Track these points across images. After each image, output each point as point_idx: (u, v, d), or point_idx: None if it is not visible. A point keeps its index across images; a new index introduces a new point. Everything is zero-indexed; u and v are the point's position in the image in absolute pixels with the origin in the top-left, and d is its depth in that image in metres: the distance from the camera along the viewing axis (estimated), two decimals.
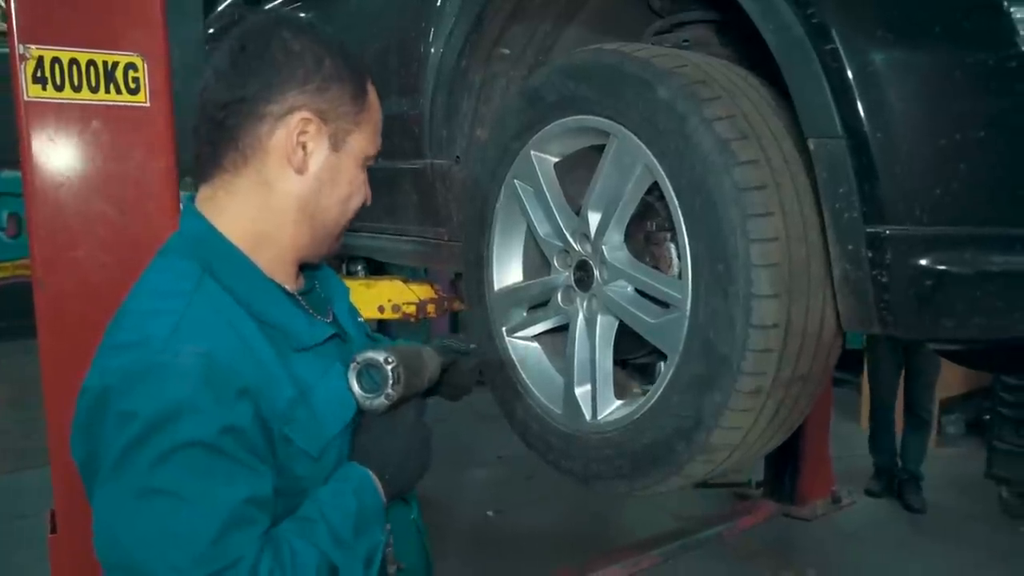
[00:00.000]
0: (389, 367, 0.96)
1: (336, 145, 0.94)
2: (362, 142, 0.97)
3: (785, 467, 3.79)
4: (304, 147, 0.92)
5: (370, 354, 0.98)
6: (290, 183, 0.92)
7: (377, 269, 2.48)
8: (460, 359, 1.20)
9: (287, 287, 0.97)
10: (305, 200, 0.94)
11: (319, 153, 0.93)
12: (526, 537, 3.55)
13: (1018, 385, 3.53)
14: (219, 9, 3.26)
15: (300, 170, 0.92)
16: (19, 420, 4.97)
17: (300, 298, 0.99)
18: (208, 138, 0.92)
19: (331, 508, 0.91)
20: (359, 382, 0.98)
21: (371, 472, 0.97)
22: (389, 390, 0.97)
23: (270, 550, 0.83)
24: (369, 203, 1.03)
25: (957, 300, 1.01)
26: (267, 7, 2.74)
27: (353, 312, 1.13)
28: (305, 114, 0.91)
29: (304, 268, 1.03)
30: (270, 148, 0.91)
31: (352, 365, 0.98)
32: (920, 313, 1.02)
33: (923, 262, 1.00)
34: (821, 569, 3.22)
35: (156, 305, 0.86)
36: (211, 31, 3.26)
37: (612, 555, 3.20)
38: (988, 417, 3.73)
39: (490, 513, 3.74)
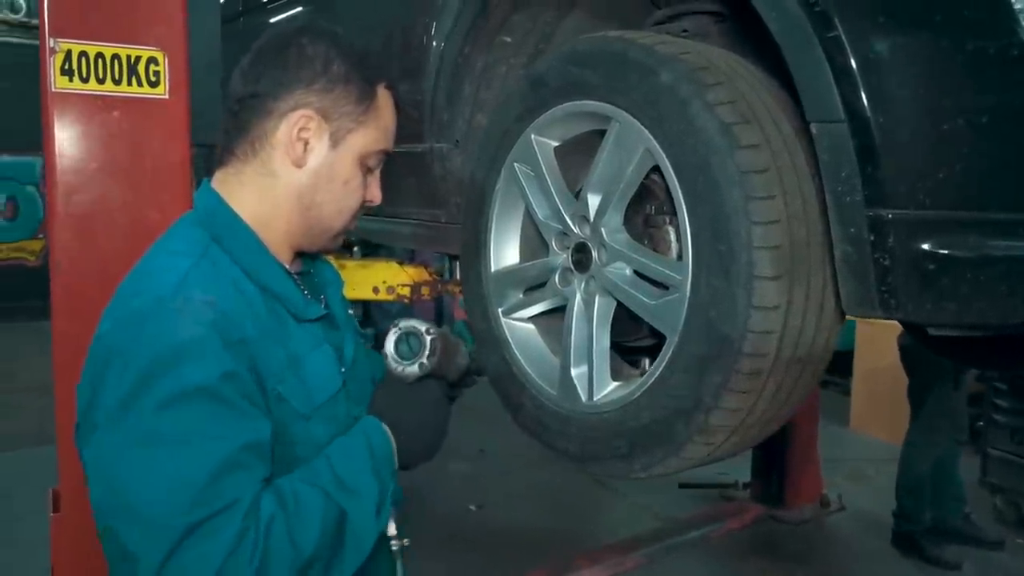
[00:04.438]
0: (429, 337, 1.01)
1: (336, 143, 0.99)
2: (363, 141, 1.00)
3: (772, 469, 3.81)
4: (305, 143, 0.97)
5: (413, 322, 1.02)
6: (290, 175, 0.98)
7: (371, 251, 2.51)
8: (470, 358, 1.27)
9: (285, 266, 1.02)
10: (301, 193, 0.99)
11: (319, 149, 0.98)
12: (507, 532, 3.54)
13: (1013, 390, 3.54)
14: None
15: (299, 164, 0.98)
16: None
17: (296, 278, 1.04)
18: (225, 128, 1.00)
19: (339, 454, 0.95)
20: (396, 347, 1.01)
21: (383, 424, 1.02)
22: (424, 360, 1.01)
23: (271, 494, 0.85)
24: (377, 203, 1.06)
25: (959, 284, 1.01)
26: None
27: (345, 303, 1.16)
28: (307, 111, 0.97)
29: (301, 255, 1.08)
30: (275, 142, 0.97)
31: (392, 329, 1.02)
32: (922, 297, 1.03)
33: (925, 246, 1.01)
34: (808, 575, 3.22)
35: (166, 263, 0.93)
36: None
37: (595, 555, 3.20)
38: (982, 424, 3.71)
39: (472, 507, 3.73)
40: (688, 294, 1.15)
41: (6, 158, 7.54)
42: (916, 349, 3.22)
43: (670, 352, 1.19)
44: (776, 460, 3.77)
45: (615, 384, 1.32)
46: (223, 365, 0.84)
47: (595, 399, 1.32)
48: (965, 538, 3.39)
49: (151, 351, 0.83)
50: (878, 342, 4.63)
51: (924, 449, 3.38)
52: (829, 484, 3.94)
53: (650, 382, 1.22)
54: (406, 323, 1.02)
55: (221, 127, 1.01)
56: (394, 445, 1.01)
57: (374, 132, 1.02)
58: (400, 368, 1.02)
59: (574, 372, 1.35)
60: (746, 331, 1.08)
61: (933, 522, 3.40)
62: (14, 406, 4.80)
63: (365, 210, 1.07)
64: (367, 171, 1.04)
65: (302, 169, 0.98)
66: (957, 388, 3.35)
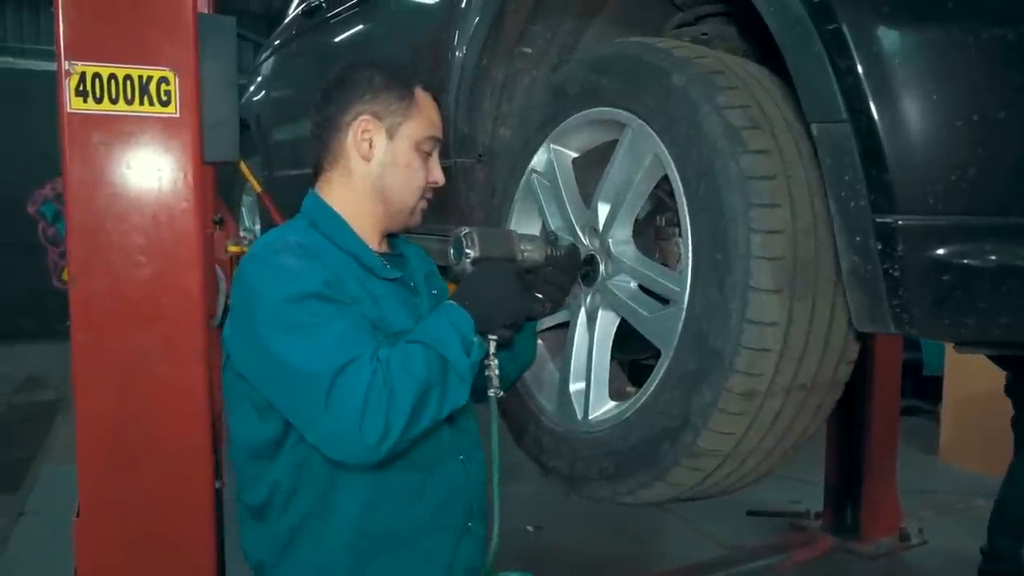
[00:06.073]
0: (462, 234, 1.23)
1: (392, 135, 1.24)
2: (413, 129, 1.25)
3: (846, 499, 3.59)
4: (369, 142, 1.23)
5: (455, 232, 1.24)
6: (363, 169, 1.25)
7: None
8: (571, 252, 1.33)
9: (371, 247, 1.27)
10: (375, 180, 1.24)
11: (380, 143, 1.24)
12: (565, 556, 3.45)
13: None
14: (283, 23, 3.45)
15: (367, 158, 1.24)
16: None
17: (379, 256, 1.26)
18: (314, 150, 1.29)
19: (424, 323, 1.17)
20: (452, 255, 1.24)
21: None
22: (466, 251, 1.21)
23: (386, 349, 1.10)
24: (442, 182, 1.29)
25: (979, 297, 0.91)
26: (326, 16, 2.84)
27: (431, 283, 1.37)
28: (365, 116, 1.23)
29: (392, 240, 1.34)
30: (348, 146, 1.25)
31: (449, 243, 1.26)
32: (937, 311, 0.93)
33: (939, 255, 0.91)
34: None
35: (273, 234, 1.24)
36: (276, 42, 3.44)
37: None
38: None
39: (530, 528, 3.66)
40: (685, 307, 1.09)
41: None
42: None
43: (663, 368, 1.13)
44: (851, 489, 3.54)
45: (612, 403, 1.27)
46: (323, 276, 1.12)
47: (590, 417, 1.27)
48: None
49: (271, 277, 1.13)
50: (971, 366, 4.28)
51: None
52: (911, 517, 3.66)
53: (642, 400, 1.16)
54: (452, 236, 1.24)
55: (310, 149, 1.30)
56: (468, 314, 1.17)
57: (421, 121, 1.25)
58: (458, 267, 1.23)
59: (572, 389, 1.31)
60: (739, 346, 1.01)
61: None
62: None
63: (432, 190, 1.30)
64: (425, 156, 1.27)
65: (371, 162, 1.24)
66: None
